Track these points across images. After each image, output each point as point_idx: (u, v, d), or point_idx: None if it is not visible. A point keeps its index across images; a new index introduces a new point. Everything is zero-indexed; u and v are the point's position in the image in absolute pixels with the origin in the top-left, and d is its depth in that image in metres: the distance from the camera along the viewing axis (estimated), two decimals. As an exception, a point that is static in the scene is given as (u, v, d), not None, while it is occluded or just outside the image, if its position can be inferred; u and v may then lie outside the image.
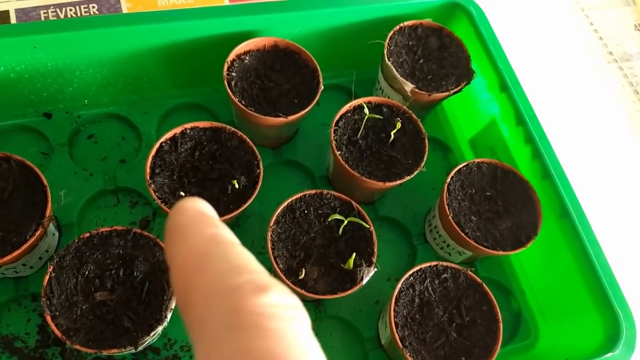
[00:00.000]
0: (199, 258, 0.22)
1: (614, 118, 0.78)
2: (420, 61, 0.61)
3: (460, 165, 0.56)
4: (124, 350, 0.42)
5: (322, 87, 0.58)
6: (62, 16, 0.67)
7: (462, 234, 0.52)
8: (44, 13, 0.67)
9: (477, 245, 0.52)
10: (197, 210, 0.24)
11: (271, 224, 0.49)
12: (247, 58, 0.58)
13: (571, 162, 0.71)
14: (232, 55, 0.57)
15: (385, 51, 0.60)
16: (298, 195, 0.51)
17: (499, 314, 0.49)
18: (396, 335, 0.47)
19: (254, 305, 0.20)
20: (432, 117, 0.69)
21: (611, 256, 0.54)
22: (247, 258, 0.22)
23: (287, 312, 0.21)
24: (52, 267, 0.44)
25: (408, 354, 0.46)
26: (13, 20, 0.66)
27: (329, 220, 0.50)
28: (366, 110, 0.55)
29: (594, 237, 0.54)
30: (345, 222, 0.50)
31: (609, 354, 0.49)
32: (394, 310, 0.48)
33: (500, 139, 0.62)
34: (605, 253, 0.54)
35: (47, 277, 0.43)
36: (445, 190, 0.54)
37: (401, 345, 0.46)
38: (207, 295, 0.21)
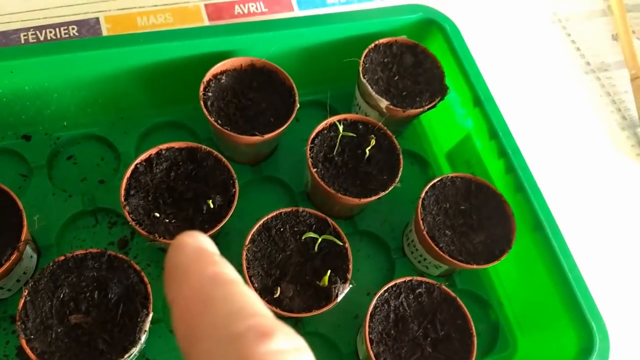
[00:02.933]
0: (201, 301, 0.21)
1: (591, 128, 0.79)
2: (395, 78, 0.62)
3: (435, 180, 0.56)
4: (98, 372, 0.42)
5: (299, 105, 0.58)
6: (42, 39, 0.67)
7: (437, 249, 0.53)
8: (24, 36, 0.67)
9: (452, 260, 0.53)
10: (196, 247, 0.23)
11: (246, 243, 0.50)
12: (223, 78, 0.59)
13: (548, 174, 0.72)
14: (208, 76, 0.57)
15: (360, 69, 0.61)
16: (274, 213, 0.52)
17: (473, 327, 0.50)
18: (371, 352, 0.47)
19: (258, 355, 0.19)
20: (410, 131, 0.70)
21: (585, 269, 0.55)
22: (249, 299, 0.22)
23: (293, 357, 0.20)
24: (27, 291, 0.44)
25: (383, 370, 0.47)
26: (-7, 42, 0.67)
27: (304, 238, 0.51)
28: (340, 128, 0.56)
29: (567, 250, 0.55)
30: (320, 239, 0.50)
31: (583, 366, 0.50)
32: (369, 326, 0.49)
33: (475, 153, 0.62)
34: (579, 266, 0.55)
35: (22, 301, 0.44)
36: (420, 205, 0.55)
37: (375, 361, 0.47)
38: (211, 342, 0.20)
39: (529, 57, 0.84)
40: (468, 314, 0.50)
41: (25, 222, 0.47)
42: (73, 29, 0.69)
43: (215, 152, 0.53)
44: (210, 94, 0.57)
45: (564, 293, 0.53)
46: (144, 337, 0.44)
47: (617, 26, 0.87)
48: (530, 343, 0.58)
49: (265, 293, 0.48)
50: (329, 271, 0.49)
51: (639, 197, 0.74)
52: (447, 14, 0.67)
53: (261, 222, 0.51)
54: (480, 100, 0.61)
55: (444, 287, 0.51)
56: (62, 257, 0.46)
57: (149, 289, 0.46)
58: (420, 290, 0.51)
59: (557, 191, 0.71)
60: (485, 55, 0.81)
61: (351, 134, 0.57)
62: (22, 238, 0.46)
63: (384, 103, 0.59)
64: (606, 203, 0.73)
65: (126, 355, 0.43)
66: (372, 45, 0.62)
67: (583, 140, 0.78)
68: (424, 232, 0.54)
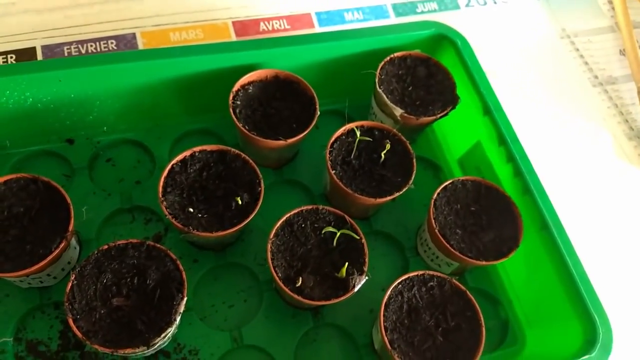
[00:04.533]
0: None
1: (599, 138, 0.82)
2: (410, 88, 0.66)
3: (446, 183, 0.60)
4: (137, 349, 0.47)
5: (319, 113, 0.63)
6: (83, 52, 0.73)
7: (448, 246, 0.57)
8: (67, 49, 0.73)
9: (462, 256, 0.56)
10: None
11: (271, 237, 0.54)
12: (250, 88, 0.64)
13: (558, 180, 0.76)
14: (237, 86, 0.62)
15: (376, 80, 0.65)
16: (296, 211, 0.56)
17: (482, 319, 0.53)
18: (385, 339, 0.51)
19: None
20: (423, 138, 0.74)
21: (591, 268, 0.58)
22: None
23: None
24: (74, 276, 0.49)
25: (397, 356, 0.50)
26: (39, 55, 0.73)
27: (323, 232, 0.55)
28: (358, 134, 0.60)
29: (572, 249, 0.58)
30: (338, 234, 0.54)
31: (586, 357, 0.53)
32: (384, 315, 0.52)
33: (485, 159, 0.66)
34: (586, 264, 0.57)
35: (69, 285, 0.48)
36: (432, 205, 0.59)
37: (390, 348, 0.51)
38: None
39: (538, 70, 0.87)
40: (477, 306, 0.54)
41: (72, 215, 0.52)
42: (112, 43, 0.75)
43: (243, 155, 0.58)
44: (238, 103, 0.62)
45: (569, 289, 0.56)
46: (178, 319, 0.49)
47: (625, 41, 0.90)
48: (538, 337, 0.61)
49: (288, 282, 0.53)
50: (347, 263, 0.53)
51: (645, 203, 0.77)
52: (461, 30, 0.71)
53: (284, 218, 0.56)
54: (489, 109, 0.65)
55: (454, 281, 0.55)
56: (106, 246, 0.50)
57: (184, 276, 0.50)
58: (432, 283, 0.55)
59: (566, 196, 0.75)
60: (497, 68, 0.85)
61: (367, 138, 0.61)
62: (70, 229, 0.51)
63: (398, 111, 0.63)
64: (612, 207, 0.76)
65: (162, 335, 0.47)
66: (388, 58, 0.67)
67: (591, 148, 0.81)
68: (436, 231, 0.57)
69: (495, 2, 0.93)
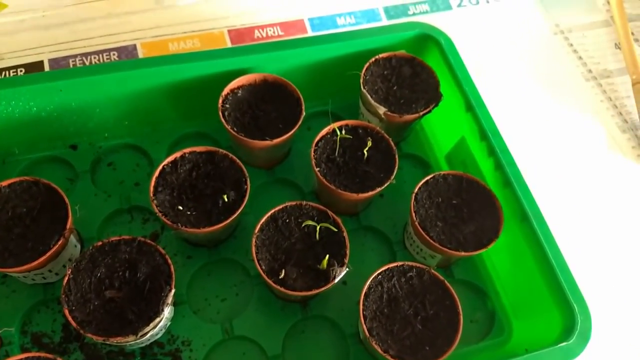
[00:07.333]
0: None
1: (592, 131, 0.83)
2: (394, 87, 0.68)
3: (428, 177, 0.62)
4: (127, 338, 0.50)
5: (308, 114, 0.66)
6: (87, 63, 0.78)
7: (428, 238, 0.58)
8: (72, 61, 0.78)
9: (442, 248, 0.58)
10: None
11: (256, 231, 0.57)
12: (240, 92, 0.67)
13: (552, 173, 0.77)
14: (226, 90, 0.66)
15: (361, 80, 0.68)
16: (280, 207, 0.59)
17: (460, 307, 0.55)
18: (365, 327, 0.53)
19: None
20: (413, 137, 0.76)
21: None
22: None
23: None
24: (70, 270, 0.52)
25: (375, 343, 0.52)
26: (46, 68, 0.77)
27: (303, 226, 0.58)
28: (338, 132, 0.63)
29: (552, 238, 0.59)
30: (318, 227, 0.57)
31: (564, 343, 0.54)
32: (364, 304, 0.54)
33: (469, 154, 0.68)
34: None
35: (66, 278, 0.52)
36: (413, 199, 0.61)
37: (369, 335, 0.53)
38: None
39: (532, 66, 0.88)
40: (455, 295, 0.55)
41: (70, 214, 0.56)
42: (114, 54, 0.79)
43: (231, 155, 0.61)
44: (227, 106, 0.65)
45: (549, 279, 0.58)
46: (166, 310, 0.52)
47: (619, 34, 0.91)
48: (524, 327, 0.62)
49: (271, 274, 0.55)
50: (327, 256, 0.55)
51: (638, 195, 0.77)
52: (453, 30, 0.73)
53: (269, 214, 0.58)
54: (471, 106, 0.66)
55: (432, 271, 0.56)
56: (100, 243, 0.54)
57: (172, 269, 0.53)
58: (411, 274, 0.56)
59: (561, 189, 0.76)
60: (491, 66, 0.87)
61: (348, 136, 0.63)
62: (67, 227, 0.55)
63: (382, 109, 0.65)
64: (606, 199, 0.76)
65: (151, 325, 0.50)
66: (373, 59, 0.69)
67: (584, 141, 0.82)
68: (417, 223, 0.59)
69: (487, 2, 0.94)
